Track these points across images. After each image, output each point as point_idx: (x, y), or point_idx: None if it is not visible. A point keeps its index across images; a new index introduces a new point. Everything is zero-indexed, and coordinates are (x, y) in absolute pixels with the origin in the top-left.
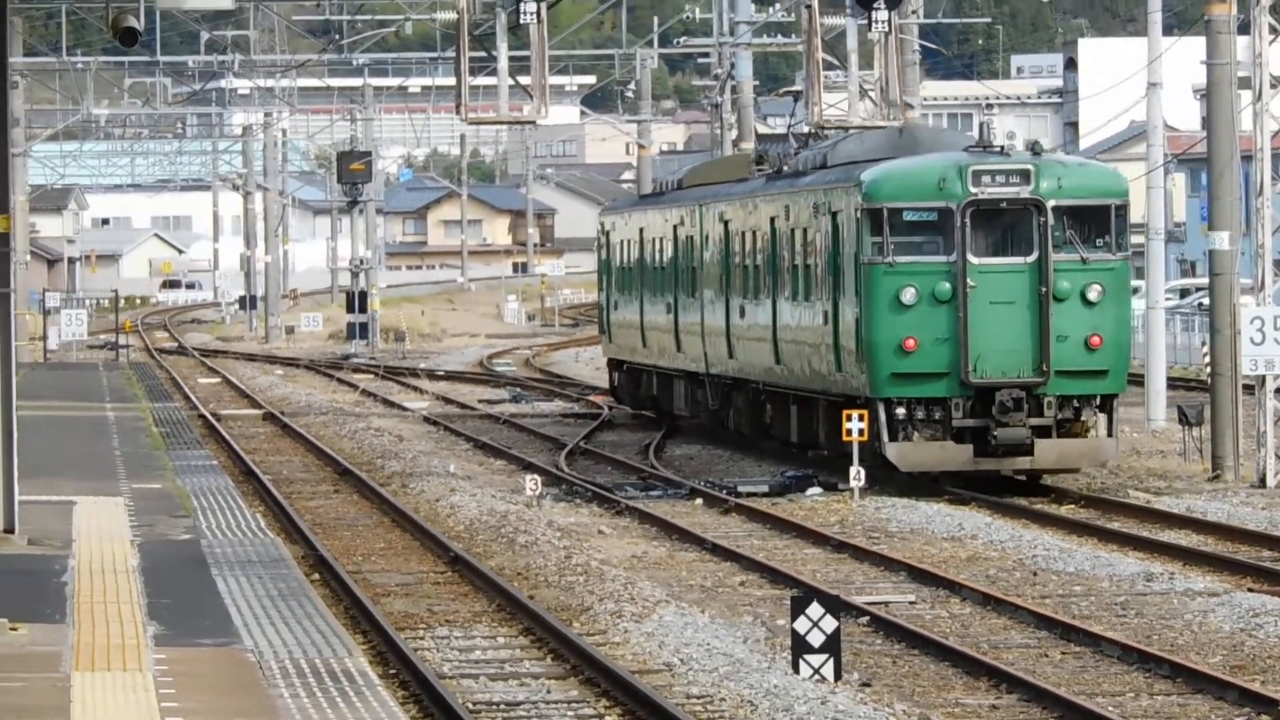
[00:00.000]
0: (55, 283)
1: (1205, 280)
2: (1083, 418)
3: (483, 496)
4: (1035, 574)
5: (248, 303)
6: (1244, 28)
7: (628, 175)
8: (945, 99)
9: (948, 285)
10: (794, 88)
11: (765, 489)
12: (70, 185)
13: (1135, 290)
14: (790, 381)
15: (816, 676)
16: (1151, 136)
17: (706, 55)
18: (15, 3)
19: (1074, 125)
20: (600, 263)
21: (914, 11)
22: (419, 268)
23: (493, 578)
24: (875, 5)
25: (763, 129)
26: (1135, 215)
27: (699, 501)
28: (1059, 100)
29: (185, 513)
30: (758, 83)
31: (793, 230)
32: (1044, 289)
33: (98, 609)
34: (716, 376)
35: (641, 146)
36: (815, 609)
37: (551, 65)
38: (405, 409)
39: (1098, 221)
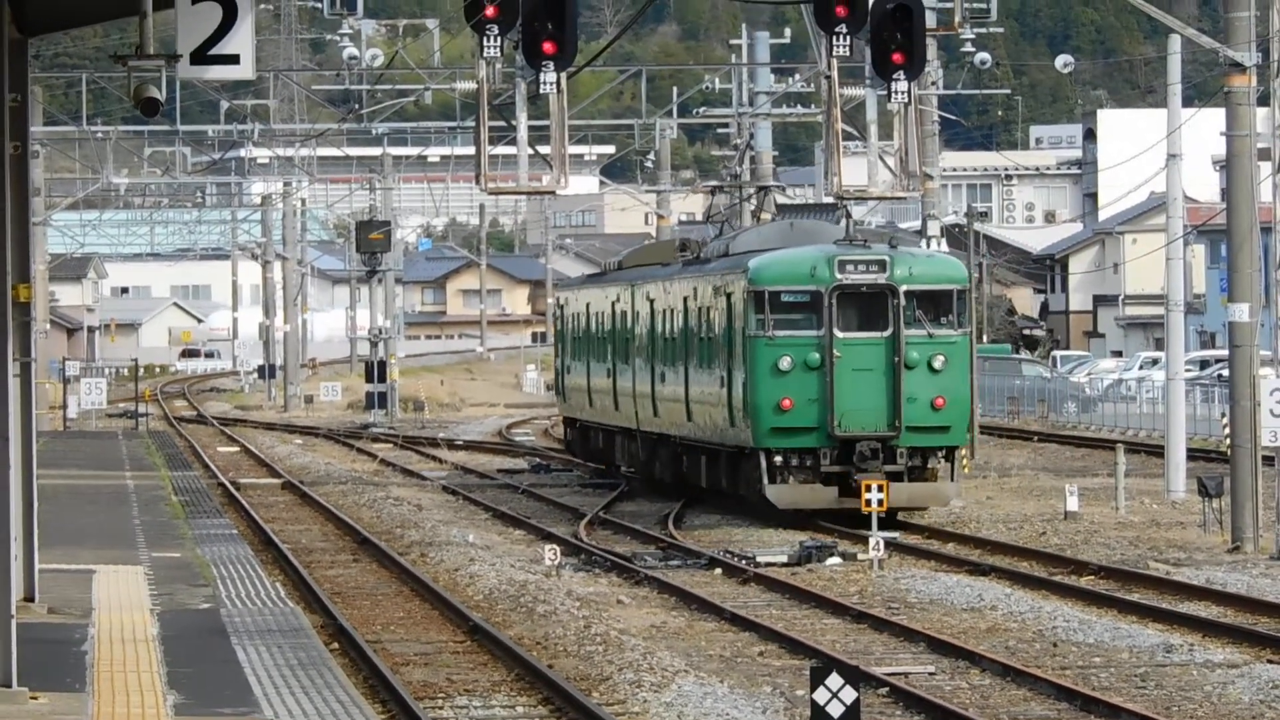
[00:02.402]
0: (75, 351)
1: (1225, 352)
2: (929, 465)
3: (502, 566)
4: (1055, 645)
5: (267, 372)
6: (1264, 99)
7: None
8: (965, 169)
9: (818, 355)
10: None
11: (784, 559)
12: (90, 254)
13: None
14: (699, 435)
15: None
16: (1171, 208)
17: (726, 125)
18: (36, 71)
19: (1093, 196)
20: (556, 333)
21: (933, 83)
22: (438, 337)
23: (512, 647)
24: (895, 76)
25: (782, 199)
26: (1155, 286)
27: (718, 571)
28: (1078, 171)
29: (205, 582)
30: (777, 153)
31: (699, 308)
32: (897, 359)
33: (118, 678)
34: (645, 433)
35: (660, 216)
36: (835, 679)
37: (571, 135)
38: (424, 478)
39: (942, 303)
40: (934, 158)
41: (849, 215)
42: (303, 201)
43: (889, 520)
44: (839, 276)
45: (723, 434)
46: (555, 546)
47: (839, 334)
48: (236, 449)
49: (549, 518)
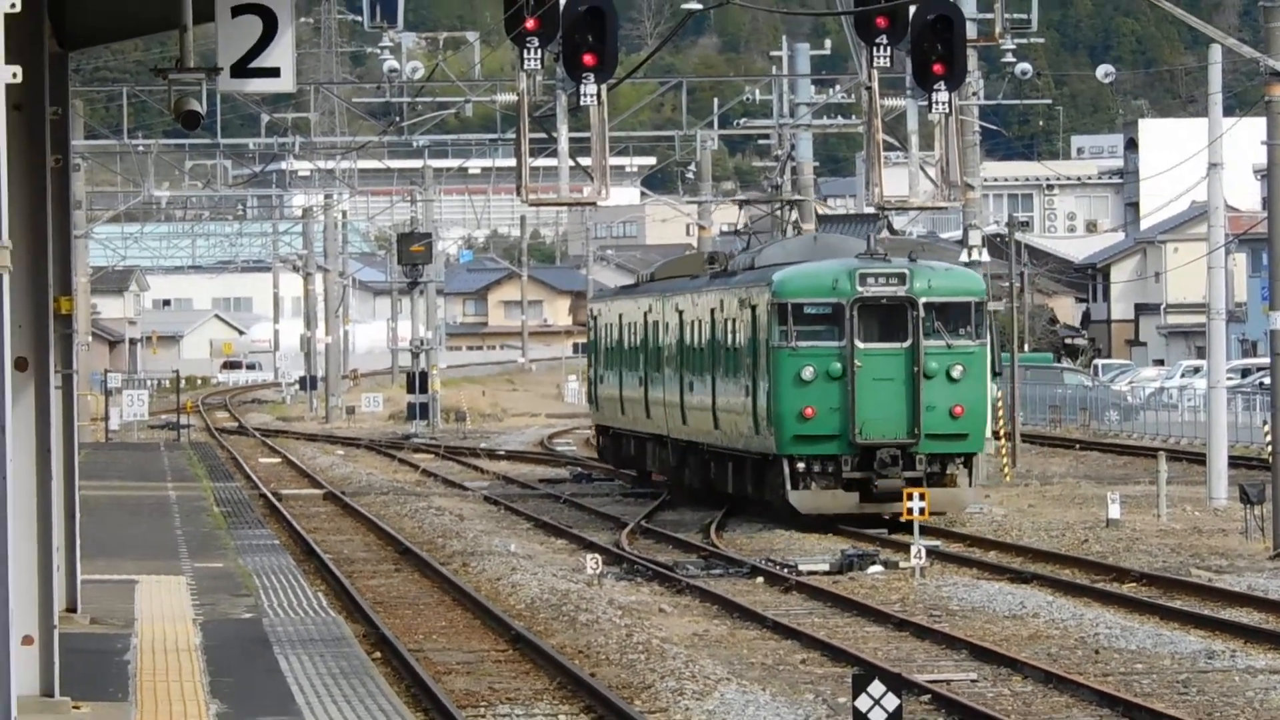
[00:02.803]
0: (117, 363)
1: (1266, 360)
2: (948, 471)
3: (544, 575)
4: (1097, 652)
5: (308, 383)
6: None
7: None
8: (1006, 179)
9: (839, 365)
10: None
11: (826, 567)
12: (131, 267)
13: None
14: (726, 443)
15: None
16: (1212, 217)
17: (766, 137)
18: (77, 85)
19: (1135, 205)
20: (589, 343)
21: (974, 93)
22: (479, 348)
23: (554, 656)
24: (936, 87)
25: (823, 209)
26: (1196, 295)
27: (760, 580)
28: (1120, 180)
29: (247, 591)
30: (818, 164)
31: (726, 320)
32: (916, 369)
33: (160, 688)
34: (675, 440)
35: (702, 227)
36: (877, 687)
37: (612, 147)
38: (466, 488)
39: (960, 315)
40: (975, 168)
41: (890, 226)
42: (344, 214)
43: (910, 525)
44: (860, 289)
45: (748, 441)
46: (597, 555)
47: (860, 345)
48: (278, 460)
49: (591, 527)
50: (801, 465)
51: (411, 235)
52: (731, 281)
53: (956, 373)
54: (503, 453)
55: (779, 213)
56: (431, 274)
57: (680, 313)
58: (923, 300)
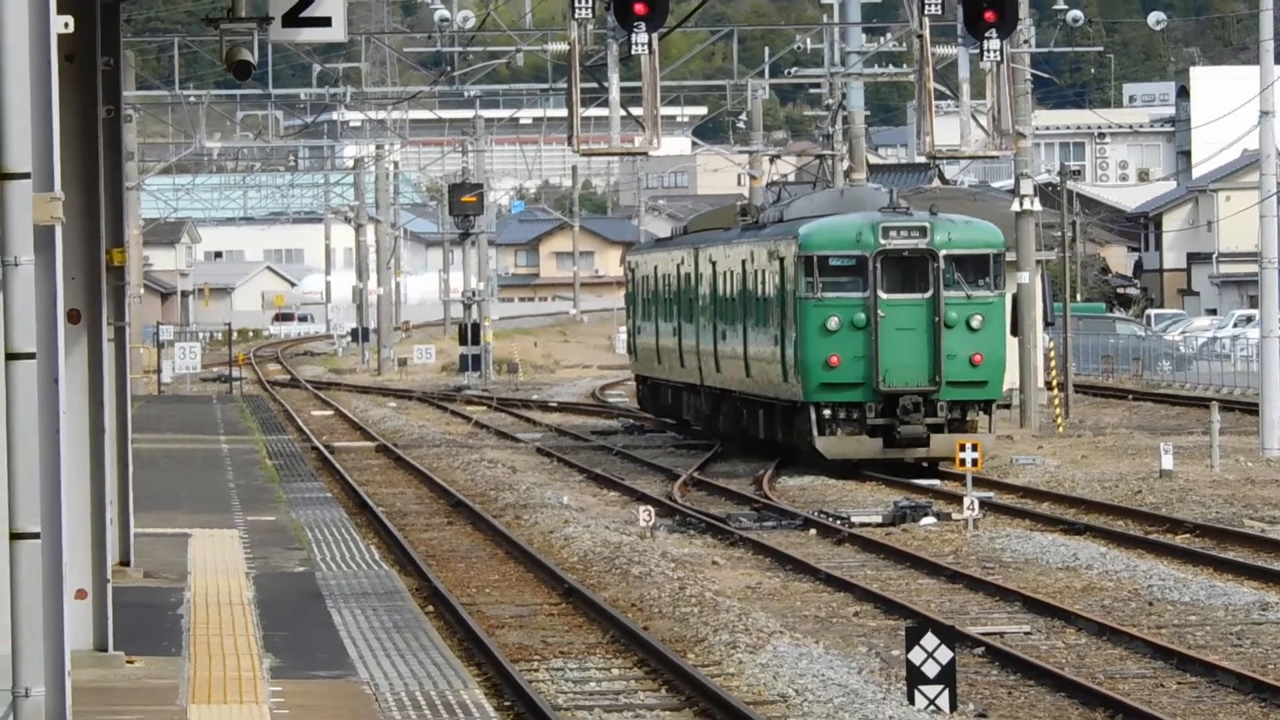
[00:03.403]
0: (169, 316)
1: None
2: (968, 418)
3: (596, 528)
4: (1151, 604)
5: (360, 335)
6: None
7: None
8: (1057, 128)
9: (863, 315)
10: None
11: (879, 519)
12: (183, 219)
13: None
14: (756, 391)
15: (932, 707)
16: (1264, 165)
17: (817, 86)
18: (128, 36)
19: (1186, 154)
20: (627, 295)
21: (1026, 41)
22: (531, 299)
23: (607, 609)
24: (987, 35)
25: (874, 159)
26: (1249, 244)
27: (813, 532)
28: (1171, 129)
29: (300, 545)
30: (869, 113)
31: (756, 271)
32: (937, 318)
33: (214, 642)
34: (709, 388)
35: (753, 177)
36: (930, 639)
37: (663, 96)
38: (518, 440)
39: (980, 266)
40: (1027, 116)
41: (942, 175)
42: (395, 164)
43: (931, 470)
44: (883, 242)
45: (777, 389)
46: (650, 508)
47: (883, 295)
48: (330, 413)
49: (643, 479)
50: (827, 412)
51: (463, 186)
52: (761, 234)
53: (976, 322)
54: (555, 404)
55: (827, 163)
56: (483, 225)
57: (713, 264)
58: (943, 252)
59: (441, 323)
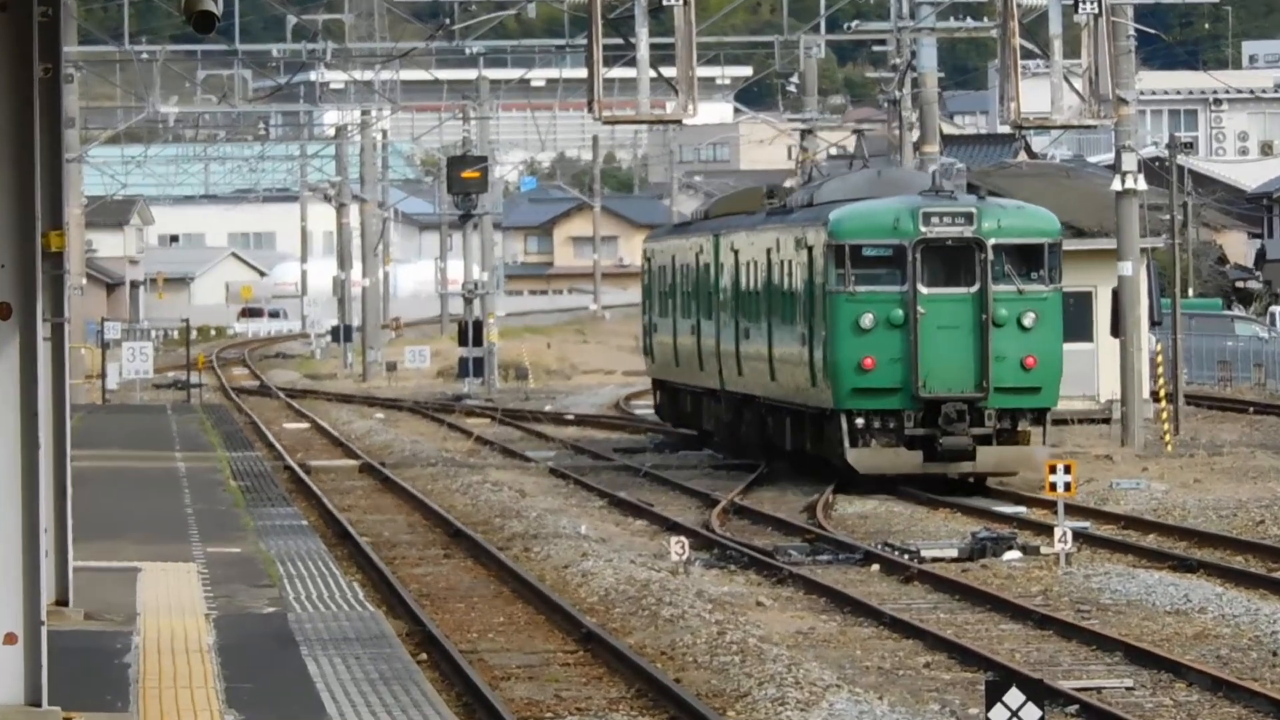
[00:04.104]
0: (116, 311)
1: None
2: (1019, 428)
3: (620, 562)
4: (1275, 654)
5: (342, 334)
6: None
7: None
8: (1166, 92)
9: (901, 312)
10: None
11: (954, 552)
12: (133, 196)
13: None
14: (782, 396)
15: None
16: None
17: (883, 43)
18: None
19: None
20: (643, 287)
21: None
22: (544, 292)
23: (632, 658)
24: None
25: (949, 128)
26: None
27: (875, 568)
28: None
29: (270, 581)
30: (943, 74)
31: (782, 261)
32: (984, 316)
33: (167, 695)
34: (730, 393)
35: (805, 150)
36: (1014, 695)
37: (700, 55)
38: (528, 459)
39: (1032, 257)
40: (1129, 79)
41: (1029, 147)
42: (384, 134)
43: (978, 486)
44: (923, 229)
45: (805, 395)
46: (683, 539)
47: (923, 290)
48: (306, 425)
49: (675, 505)
50: (860, 421)
51: (464, 159)
52: (789, 219)
53: (1028, 320)
54: (571, 417)
55: (894, 133)
56: (487, 205)
57: (735, 253)
58: (991, 241)
59: (438, 320)
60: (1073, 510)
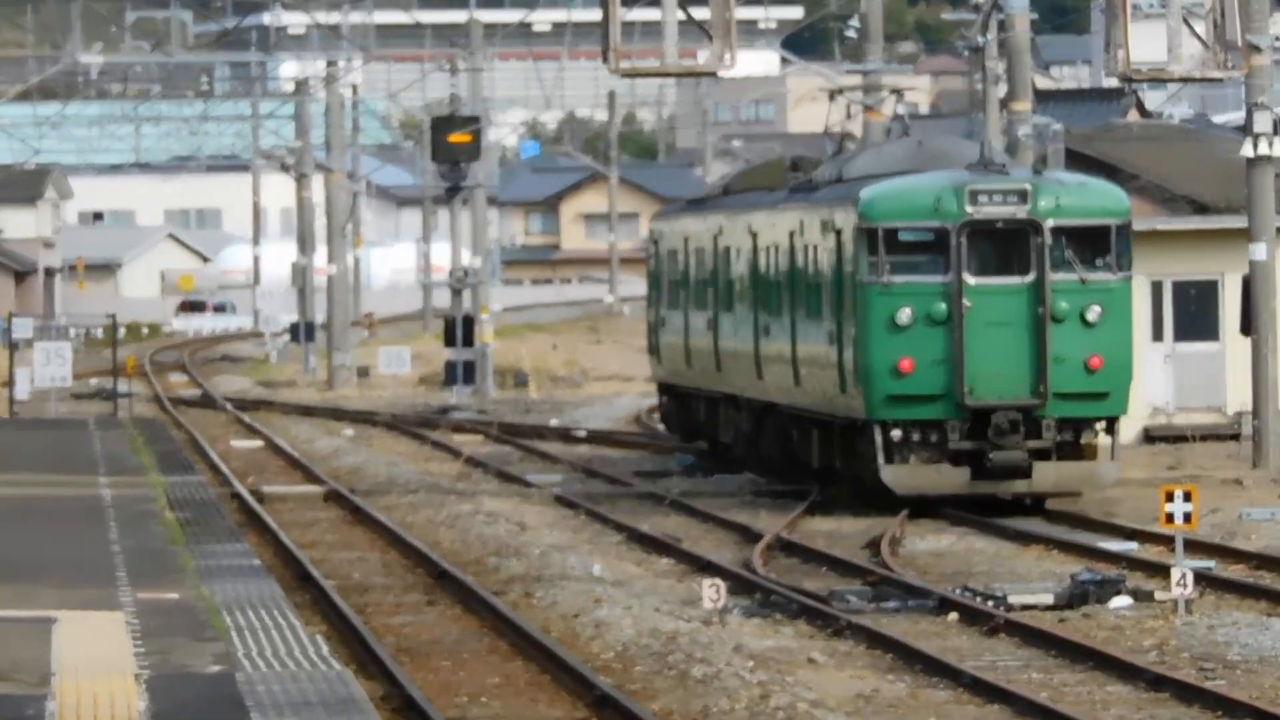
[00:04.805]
0: (27, 304)
1: None
2: (1083, 441)
3: (641, 610)
4: None
5: (303, 333)
6: None
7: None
8: None
9: (944, 306)
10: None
11: (1049, 598)
12: (48, 165)
13: None
14: (807, 404)
15: None
16: None
17: None
18: None
19: None
20: (650, 274)
21: None
22: (549, 282)
23: None
24: None
25: (1044, 82)
26: None
27: (953, 617)
28: None
29: (214, 634)
30: (1037, 16)
31: (806, 246)
32: (1042, 310)
33: None
34: (751, 400)
35: (868, 109)
36: None
37: None
38: (529, 485)
39: (1097, 241)
40: (1263, 22)
41: (1140, 105)
42: (354, 89)
43: (1035, 510)
44: (970, 210)
45: (832, 402)
46: (718, 581)
47: (970, 280)
48: (259, 444)
49: (708, 540)
50: (897, 433)
51: (451, 120)
52: (814, 198)
53: (1093, 315)
54: (582, 433)
55: (977, 87)
56: (480, 176)
57: (754, 236)
58: (1050, 223)
59: (420, 315)
60: (1194, 547)
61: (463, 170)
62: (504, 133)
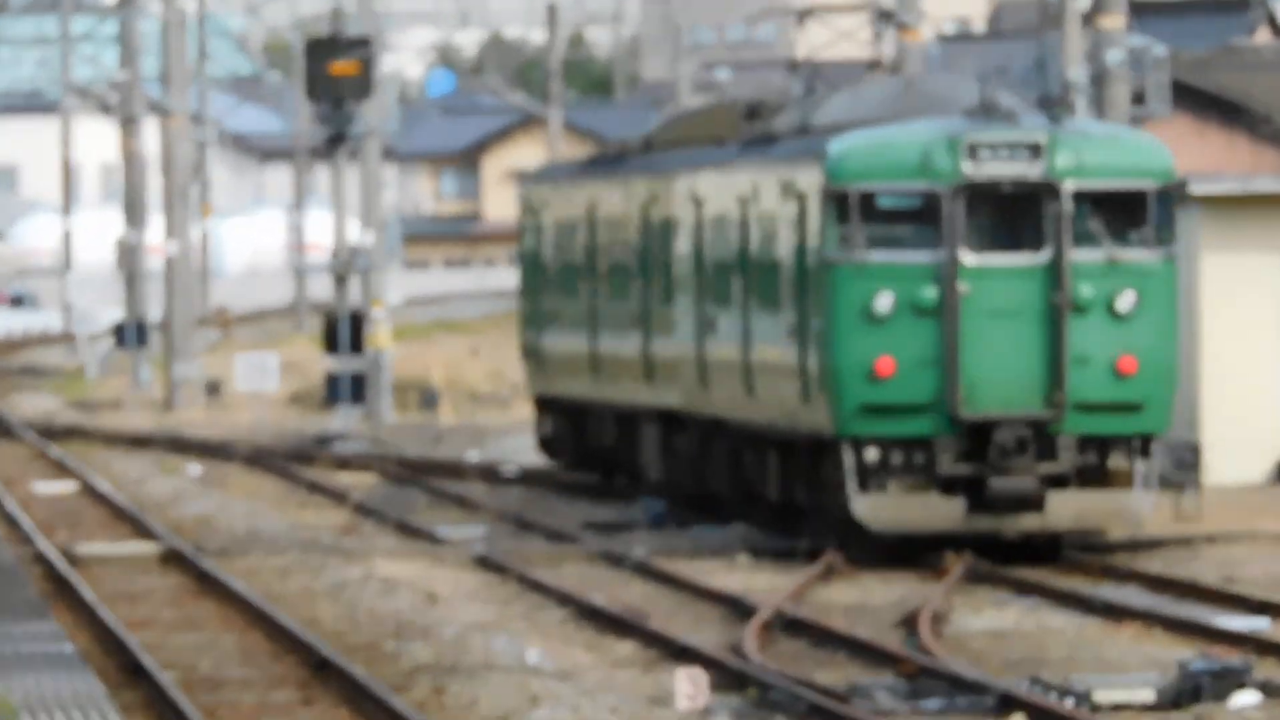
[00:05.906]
0: None
1: None
2: (1110, 464)
3: (593, 711)
4: None
5: (131, 335)
6: None
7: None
8: None
9: (933, 291)
10: None
11: (1149, 694)
12: None
13: None
14: (762, 419)
15: None
16: None
17: None
18: None
19: None
20: (522, 256)
21: None
22: (467, 264)
23: None
24: None
25: None
26: None
27: (1019, 719)
28: None
29: None
30: None
31: (761, 217)
32: (1059, 297)
33: None
34: (694, 417)
35: (903, 27)
36: None
37: None
38: (440, 541)
39: (1131, 209)
40: None
41: (1274, 22)
42: (201, 1)
43: (1049, 551)
44: (968, 168)
45: (793, 416)
46: (698, 671)
47: (967, 258)
48: (72, 486)
49: (685, 615)
50: (873, 453)
51: (333, 43)
52: (771, 154)
53: (1124, 304)
54: (513, 470)
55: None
56: (374, 120)
57: (697, 205)
58: (1070, 186)
59: (291, 311)
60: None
61: (349, 112)
62: (405, 60)
